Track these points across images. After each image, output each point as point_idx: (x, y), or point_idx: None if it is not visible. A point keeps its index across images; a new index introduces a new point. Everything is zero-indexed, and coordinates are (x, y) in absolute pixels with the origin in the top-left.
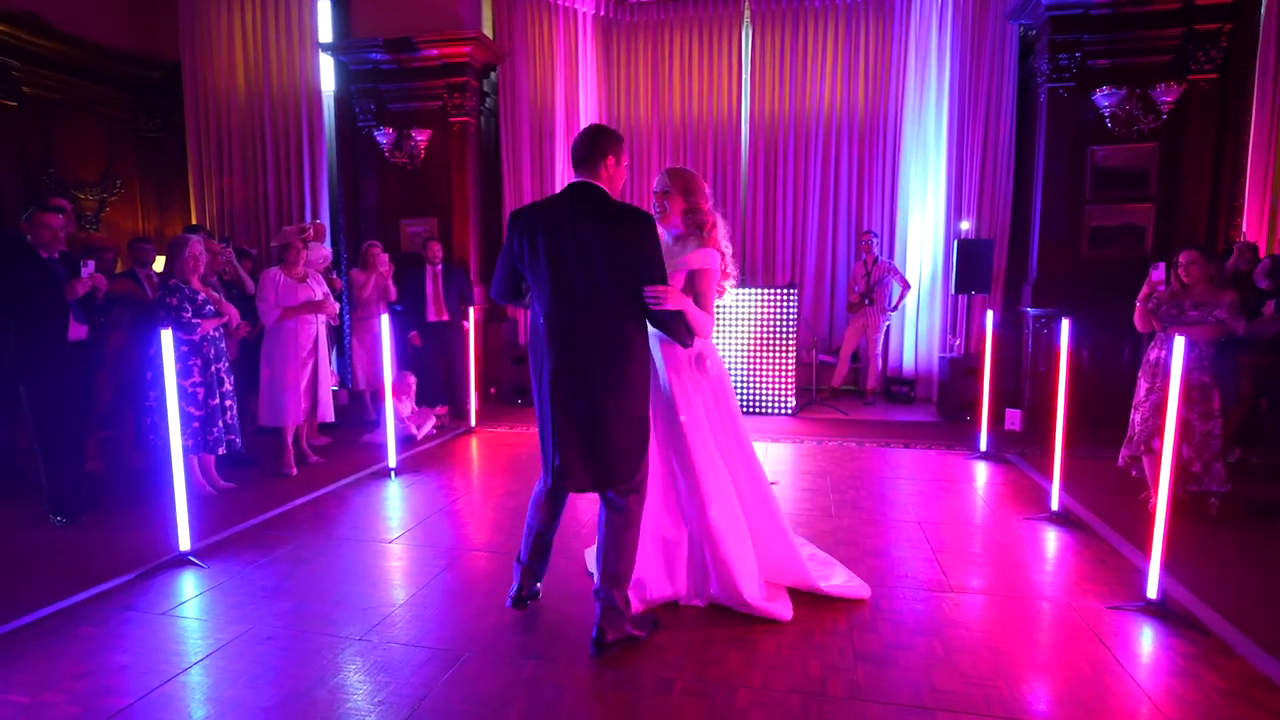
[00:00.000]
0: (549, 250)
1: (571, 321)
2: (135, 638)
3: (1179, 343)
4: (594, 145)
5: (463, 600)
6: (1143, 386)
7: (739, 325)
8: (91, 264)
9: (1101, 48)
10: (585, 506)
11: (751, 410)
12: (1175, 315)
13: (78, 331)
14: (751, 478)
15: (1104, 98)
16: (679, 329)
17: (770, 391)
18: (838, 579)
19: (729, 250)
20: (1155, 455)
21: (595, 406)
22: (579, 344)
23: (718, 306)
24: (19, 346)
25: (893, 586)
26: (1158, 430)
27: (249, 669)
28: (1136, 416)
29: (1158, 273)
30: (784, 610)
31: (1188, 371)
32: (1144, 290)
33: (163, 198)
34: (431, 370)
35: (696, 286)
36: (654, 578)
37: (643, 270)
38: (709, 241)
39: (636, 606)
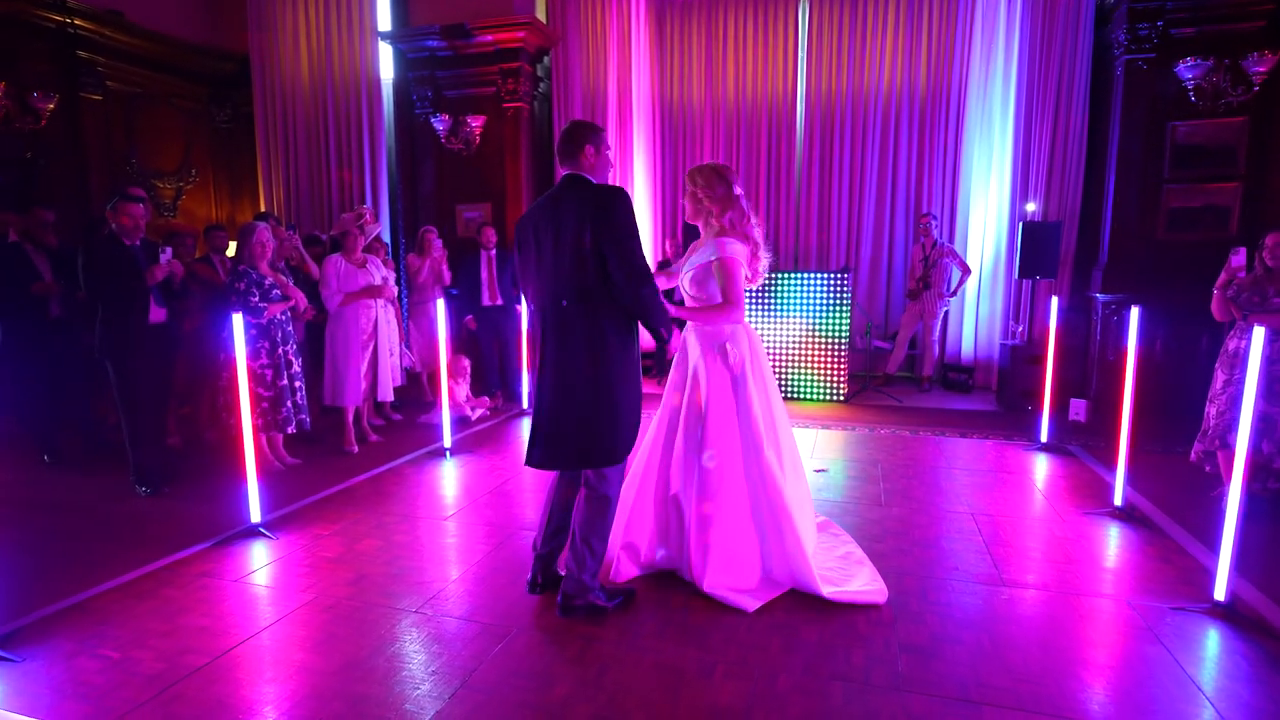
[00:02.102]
0: (537, 238)
1: (554, 305)
2: (212, 602)
3: (1259, 332)
4: (571, 139)
5: (512, 578)
6: (1220, 378)
7: (790, 310)
8: (169, 251)
9: (1186, 14)
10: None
11: (802, 397)
12: (1258, 303)
13: (158, 314)
14: (761, 473)
15: (1188, 69)
16: (652, 312)
17: (821, 378)
18: (854, 584)
19: (759, 239)
20: (1231, 451)
21: (564, 390)
22: (558, 327)
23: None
24: (106, 327)
25: (942, 579)
26: (1235, 424)
27: (313, 635)
28: (1212, 409)
29: (1238, 258)
30: (745, 601)
31: (1270, 362)
32: (1222, 277)
33: (234, 186)
34: (486, 353)
35: (718, 276)
36: (647, 541)
37: (608, 241)
38: (727, 231)
39: (632, 570)
